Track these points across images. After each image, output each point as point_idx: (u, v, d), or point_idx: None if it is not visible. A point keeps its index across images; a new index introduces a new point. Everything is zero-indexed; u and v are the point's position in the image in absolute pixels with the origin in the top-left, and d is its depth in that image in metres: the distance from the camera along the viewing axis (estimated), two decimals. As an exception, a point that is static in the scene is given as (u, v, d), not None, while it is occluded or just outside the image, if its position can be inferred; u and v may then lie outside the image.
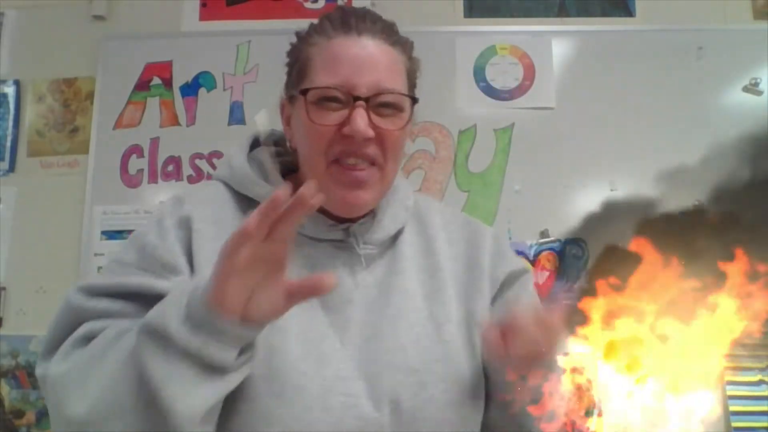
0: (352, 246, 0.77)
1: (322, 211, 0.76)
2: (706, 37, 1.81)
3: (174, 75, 1.86)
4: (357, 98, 0.70)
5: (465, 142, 1.79)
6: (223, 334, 0.57)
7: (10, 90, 1.89)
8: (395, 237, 0.81)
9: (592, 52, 1.83)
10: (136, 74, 1.86)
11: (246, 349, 0.61)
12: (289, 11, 1.90)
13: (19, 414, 1.72)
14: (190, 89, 1.85)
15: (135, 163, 1.81)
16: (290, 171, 0.81)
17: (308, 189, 0.54)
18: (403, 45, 0.77)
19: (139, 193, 1.79)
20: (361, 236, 0.77)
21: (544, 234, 1.72)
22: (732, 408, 1.58)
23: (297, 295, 0.57)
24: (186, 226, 0.73)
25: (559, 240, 1.71)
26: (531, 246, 1.71)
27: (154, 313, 0.59)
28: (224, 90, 1.84)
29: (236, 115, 1.83)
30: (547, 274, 1.69)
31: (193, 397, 0.57)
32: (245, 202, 0.77)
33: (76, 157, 1.84)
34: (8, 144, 1.86)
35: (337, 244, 0.77)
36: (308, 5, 1.90)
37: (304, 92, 0.72)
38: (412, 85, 0.78)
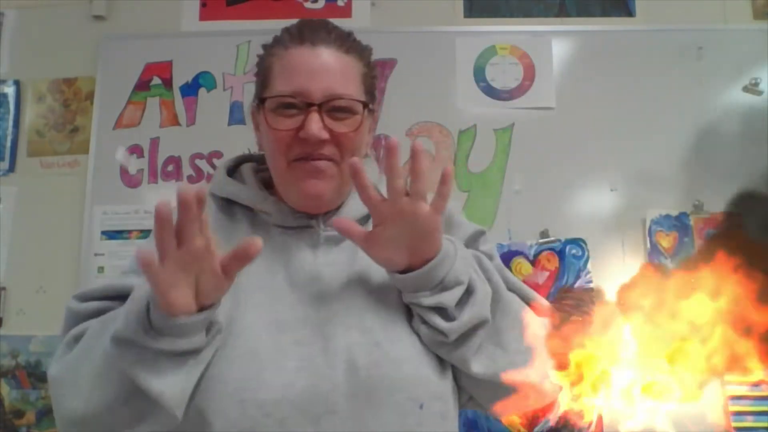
0: (315, 229, 0.82)
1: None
2: (706, 37, 1.81)
3: (174, 75, 1.86)
4: (311, 104, 0.76)
5: (465, 142, 1.79)
6: (185, 328, 0.64)
7: (10, 90, 1.89)
8: (364, 222, 0.84)
9: (592, 52, 1.83)
10: (136, 74, 1.86)
11: (211, 325, 0.69)
12: (289, 11, 1.90)
13: (19, 414, 1.72)
14: (190, 89, 1.85)
15: (135, 163, 1.81)
16: (269, 183, 0.88)
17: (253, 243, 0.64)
18: (360, 52, 0.83)
19: (139, 193, 1.79)
20: (324, 220, 0.83)
21: (544, 234, 1.72)
22: (732, 408, 1.58)
23: (232, 266, 0.65)
24: None
25: (559, 240, 1.71)
26: (531, 246, 1.71)
27: (121, 326, 0.66)
28: (224, 90, 1.84)
29: (236, 115, 1.83)
30: (547, 274, 1.69)
31: (176, 381, 0.65)
32: (224, 204, 0.86)
33: (76, 157, 1.85)
34: (8, 144, 1.86)
35: (302, 230, 0.83)
36: (308, 5, 1.90)
37: (263, 101, 0.80)
38: (369, 89, 0.84)
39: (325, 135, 0.77)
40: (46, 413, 1.70)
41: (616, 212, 1.73)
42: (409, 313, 0.79)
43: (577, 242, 1.70)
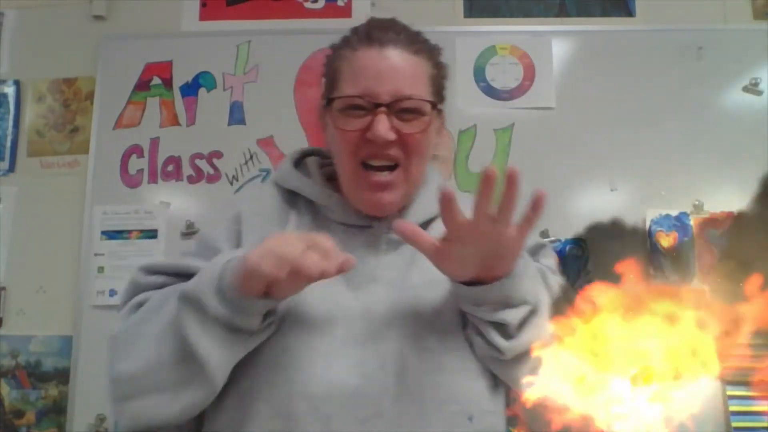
0: (377, 230, 0.83)
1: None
2: (706, 37, 1.80)
3: (174, 75, 1.86)
4: (378, 105, 0.77)
5: (465, 142, 1.79)
6: (246, 308, 0.67)
7: (10, 90, 1.89)
8: (426, 225, 0.84)
9: (592, 52, 1.82)
10: (136, 74, 1.86)
11: (269, 313, 0.71)
12: (289, 11, 1.90)
13: (19, 414, 1.72)
14: (190, 89, 1.85)
15: (135, 163, 1.81)
16: (333, 177, 0.88)
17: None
18: (429, 52, 0.84)
19: (139, 193, 1.79)
20: (386, 223, 0.82)
21: (544, 234, 1.72)
22: (732, 408, 1.58)
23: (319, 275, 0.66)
24: (237, 221, 0.84)
25: (559, 240, 1.71)
26: (531, 246, 1.71)
27: (192, 284, 0.69)
28: (224, 90, 1.84)
29: (236, 115, 1.83)
30: (547, 274, 1.69)
31: (223, 353, 0.68)
32: (288, 196, 0.87)
33: (76, 157, 1.84)
34: (8, 144, 1.86)
35: (363, 230, 0.83)
36: (308, 5, 1.90)
37: (330, 101, 0.81)
38: (437, 89, 0.83)
39: (392, 136, 0.77)
40: (46, 413, 1.71)
41: (616, 212, 1.73)
42: (464, 320, 0.77)
43: (577, 242, 1.70)
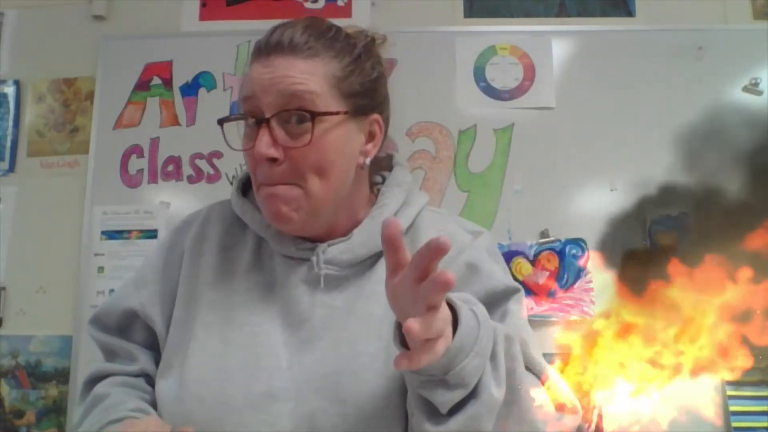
0: (314, 265, 0.75)
1: None
2: (706, 37, 1.80)
3: (174, 75, 1.86)
4: (260, 120, 0.71)
5: (465, 142, 1.79)
6: None
7: (10, 90, 1.89)
8: (376, 258, 0.77)
9: (592, 52, 1.82)
10: (136, 74, 1.86)
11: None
12: (289, 11, 1.90)
13: (19, 414, 1.72)
14: (190, 89, 1.85)
15: (135, 163, 1.81)
16: None
17: None
18: (338, 52, 0.74)
19: (139, 193, 1.79)
20: (324, 255, 0.75)
21: (544, 234, 1.72)
22: (732, 408, 1.58)
23: None
24: (178, 250, 0.86)
25: (559, 240, 1.71)
26: (531, 246, 1.71)
27: None
28: (224, 90, 1.84)
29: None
30: (547, 274, 1.69)
31: None
32: (241, 220, 0.84)
33: (76, 157, 1.84)
34: (8, 144, 1.86)
35: (302, 263, 0.77)
36: (308, 5, 1.90)
37: (221, 122, 0.77)
38: (347, 92, 0.74)
39: (274, 153, 0.70)
40: (46, 413, 1.71)
41: (616, 212, 1.73)
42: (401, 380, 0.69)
43: (577, 242, 1.70)
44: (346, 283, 0.76)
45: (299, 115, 0.70)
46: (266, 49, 0.75)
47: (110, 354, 0.86)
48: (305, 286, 0.76)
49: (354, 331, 0.72)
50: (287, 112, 0.70)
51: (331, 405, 0.69)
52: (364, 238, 0.77)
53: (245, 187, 0.86)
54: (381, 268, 0.71)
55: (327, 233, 0.78)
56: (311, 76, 0.72)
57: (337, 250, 0.76)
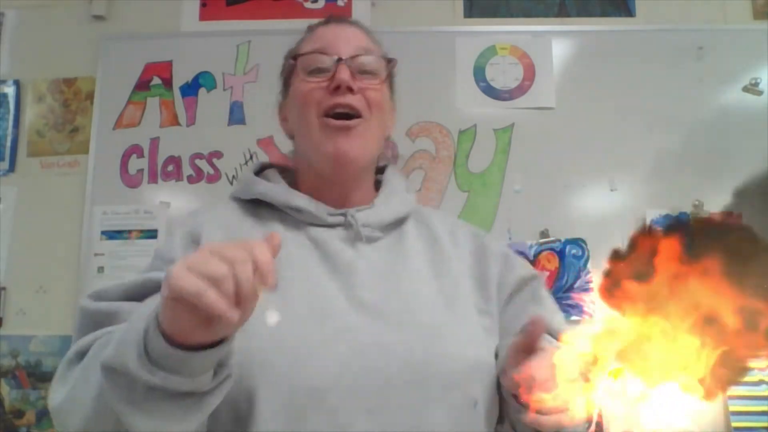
0: (352, 226, 0.81)
1: (321, 200, 0.83)
2: (706, 37, 1.80)
3: (174, 75, 1.86)
4: (339, 60, 0.81)
5: (465, 142, 1.79)
6: (182, 364, 0.54)
7: (10, 90, 1.89)
8: (398, 225, 0.85)
9: (592, 52, 1.83)
10: (136, 74, 1.86)
11: (222, 364, 0.58)
12: (289, 11, 1.90)
13: (19, 414, 1.71)
14: (190, 89, 1.85)
15: (135, 163, 1.81)
16: (294, 186, 0.88)
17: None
18: (380, 45, 0.89)
19: (139, 193, 1.79)
20: (359, 219, 0.82)
21: (544, 234, 1.72)
22: (732, 408, 1.58)
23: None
24: (196, 234, 0.80)
25: (559, 240, 1.71)
26: (531, 246, 1.71)
27: (112, 351, 0.56)
28: (224, 90, 1.84)
29: (236, 115, 1.83)
30: (547, 274, 1.69)
31: (173, 428, 0.56)
32: (250, 208, 0.85)
33: (76, 157, 1.84)
34: (8, 144, 1.86)
35: (337, 227, 0.82)
36: (308, 5, 1.90)
37: (296, 58, 0.84)
38: (389, 73, 0.88)
39: (354, 84, 0.81)
40: (46, 413, 1.70)
41: (616, 212, 1.73)
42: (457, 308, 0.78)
43: (577, 242, 1.70)
44: (381, 241, 0.83)
45: (375, 62, 0.84)
46: (336, 19, 0.88)
47: (112, 320, 0.70)
48: (344, 245, 0.81)
49: (403, 276, 0.79)
50: (367, 55, 0.83)
51: (417, 329, 0.73)
52: (385, 205, 0.86)
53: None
54: (406, 234, 0.84)
55: (349, 202, 0.85)
56: (372, 42, 0.88)
57: (365, 215, 0.83)
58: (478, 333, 0.77)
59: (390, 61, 0.87)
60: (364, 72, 0.83)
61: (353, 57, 0.82)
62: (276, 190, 0.84)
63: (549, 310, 0.83)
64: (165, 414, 0.55)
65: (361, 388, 0.68)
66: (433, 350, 0.71)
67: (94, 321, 0.70)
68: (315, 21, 0.90)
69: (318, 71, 0.82)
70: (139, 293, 0.71)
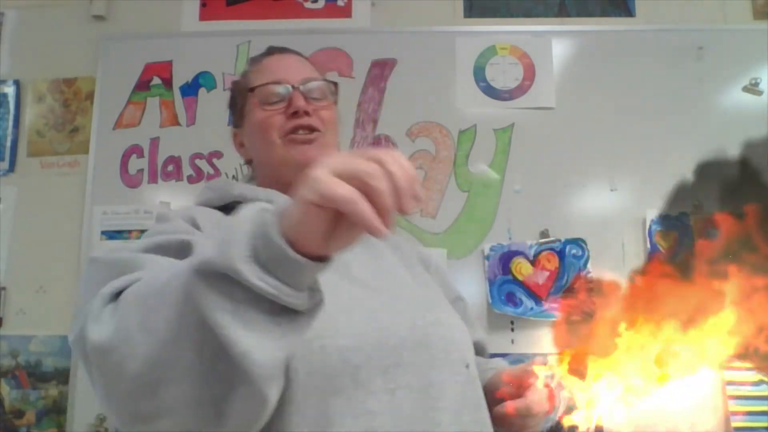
0: None
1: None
2: (706, 37, 1.81)
3: (174, 75, 1.86)
4: (293, 87, 0.91)
5: (465, 142, 1.79)
6: (295, 273, 0.49)
7: (10, 90, 1.89)
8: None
9: (592, 52, 1.83)
10: (136, 74, 1.86)
11: (313, 291, 0.54)
12: (289, 11, 1.90)
13: (19, 414, 1.72)
14: (190, 89, 1.85)
15: (135, 163, 1.81)
16: None
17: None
18: (319, 71, 0.98)
19: (139, 193, 1.79)
20: None
21: (544, 234, 1.72)
22: (732, 408, 1.58)
23: None
24: (192, 217, 0.81)
25: (559, 240, 1.71)
26: (531, 246, 1.71)
27: (214, 252, 0.50)
28: (224, 90, 1.84)
29: (236, 115, 1.83)
30: (547, 274, 1.69)
31: (271, 346, 0.50)
32: (228, 213, 0.87)
33: (76, 157, 1.85)
34: (8, 144, 1.86)
35: None
36: (308, 5, 1.90)
37: (252, 90, 0.92)
38: (335, 88, 0.97)
39: (308, 107, 0.90)
40: (46, 413, 1.71)
41: (616, 212, 1.73)
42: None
43: (577, 242, 1.70)
44: (366, 242, 0.87)
45: (323, 86, 0.93)
46: (279, 50, 0.98)
47: (135, 269, 0.63)
48: None
49: (382, 263, 0.88)
50: (315, 81, 0.93)
51: (412, 301, 0.82)
52: None
53: None
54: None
55: None
56: (315, 70, 0.97)
57: None
58: (451, 308, 0.88)
59: (335, 85, 0.97)
60: (314, 98, 0.92)
61: (304, 83, 0.92)
62: (255, 189, 0.90)
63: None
64: (265, 330, 0.50)
65: (379, 348, 0.72)
66: (430, 317, 0.79)
67: (117, 270, 0.63)
68: (257, 54, 1.00)
69: (274, 100, 0.91)
70: (162, 252, 0.67)
